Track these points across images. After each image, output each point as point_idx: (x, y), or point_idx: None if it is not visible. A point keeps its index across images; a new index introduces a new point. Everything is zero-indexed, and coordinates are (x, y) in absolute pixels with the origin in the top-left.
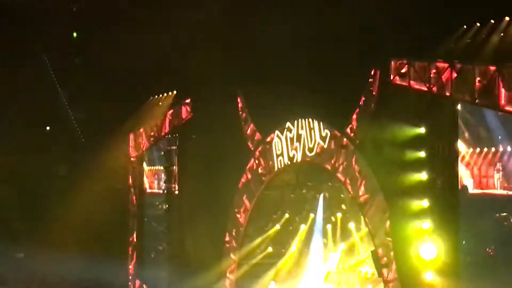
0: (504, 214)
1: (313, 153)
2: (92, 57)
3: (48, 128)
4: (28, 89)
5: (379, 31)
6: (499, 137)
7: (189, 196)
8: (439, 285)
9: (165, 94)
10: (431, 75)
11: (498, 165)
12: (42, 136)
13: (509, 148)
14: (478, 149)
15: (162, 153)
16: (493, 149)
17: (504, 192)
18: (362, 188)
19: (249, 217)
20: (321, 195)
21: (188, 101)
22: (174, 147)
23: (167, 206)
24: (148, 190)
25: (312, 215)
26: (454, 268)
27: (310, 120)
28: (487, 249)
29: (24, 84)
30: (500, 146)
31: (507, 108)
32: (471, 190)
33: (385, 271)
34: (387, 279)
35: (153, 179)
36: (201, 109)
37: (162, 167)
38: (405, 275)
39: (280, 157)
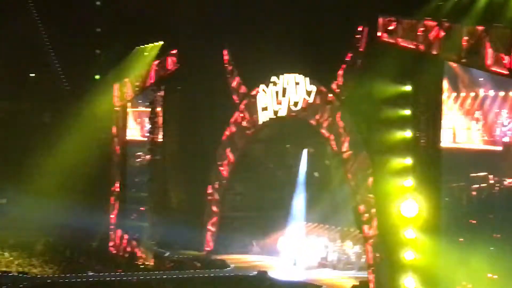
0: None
1: (298, 108)
2: (77, 6)
3: (32, 75)
4: (12, 36)
5: None
6: (480, 79)
7: (173, 148)
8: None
9: (152, 44)
10: (419, 33)
11: (478, 114)
12: (26, 83)
13: (491, 92)
14: (454, 94)
15: (148, 103)
16: (472, 94)
17: (484, 147)
18: (346, 145)
19: (232, 170)
20: (305, 150)
21: (174, 52)
22: (159, 98)
23: (150, 156)
24: (130, 138)
25: (295, 169)
26: (435, 226)
27: (296, 74)
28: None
29: (7, 30)
30: (482, 90)
31: (493, 68)
32: (445, 144)
33: (366, 227)
34: (368, 235)
35: (135, 125)
36: (187, 60)
37: (145, 109)
38: (386, 231)
39: (265, 111)
